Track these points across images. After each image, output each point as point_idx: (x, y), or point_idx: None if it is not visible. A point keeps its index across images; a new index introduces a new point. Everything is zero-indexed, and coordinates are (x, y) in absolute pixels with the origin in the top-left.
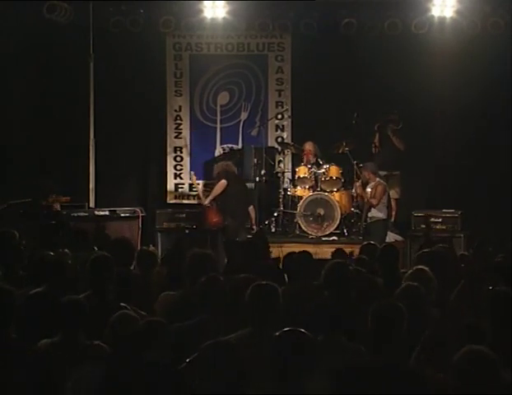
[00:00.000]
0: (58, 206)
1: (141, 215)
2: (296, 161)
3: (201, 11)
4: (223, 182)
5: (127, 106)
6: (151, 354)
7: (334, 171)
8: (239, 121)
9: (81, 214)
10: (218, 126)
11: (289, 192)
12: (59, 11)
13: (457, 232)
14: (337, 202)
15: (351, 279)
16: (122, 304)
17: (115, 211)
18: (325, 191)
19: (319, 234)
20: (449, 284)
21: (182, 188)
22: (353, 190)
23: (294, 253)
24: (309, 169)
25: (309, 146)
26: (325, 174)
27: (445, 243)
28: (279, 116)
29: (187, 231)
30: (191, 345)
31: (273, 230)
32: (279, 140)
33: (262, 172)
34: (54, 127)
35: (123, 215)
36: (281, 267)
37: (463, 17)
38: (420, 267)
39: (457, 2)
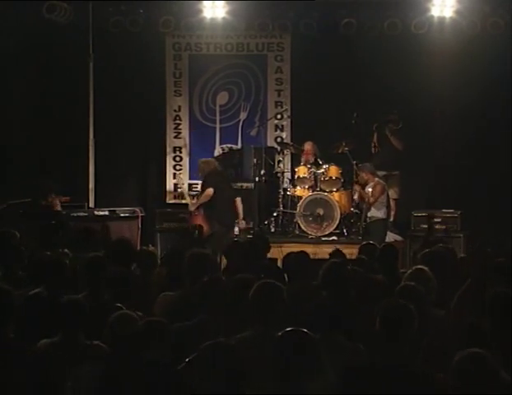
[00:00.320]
0: (58, 206)
1: (140, 215)
2: (296, 161)
3: (200, 11)
4: (210, 191)
5: (126, 106)
6: (151, 354)
7: (334, 171)
8: (239, 121)
9: (81, 214)
10: (217, 126)
11: (288, 192)
12: (59, 11)
13: (456, 232)
14: (337, 201)
15: (349, 278)
16: (118, 304)
17: (115, 211)
18: (325, 191)
19: (319, 234)
20: (448, 284)
21: (181, 188)
22: (355, 196)
23: (292, 253)
24: (309, 169)
25: (308, 146)
26: (325, 174)
27: (444, 243)
28: (278, 116)
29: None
30: (192, 345)
31: (273, 230)
32: (278, 140)
33: (262, 172)
34: (54, 127)
35: (122, 215)
36: (280, 267)
37: (463, 17)
38: (419, 266)
39: (456, 2)
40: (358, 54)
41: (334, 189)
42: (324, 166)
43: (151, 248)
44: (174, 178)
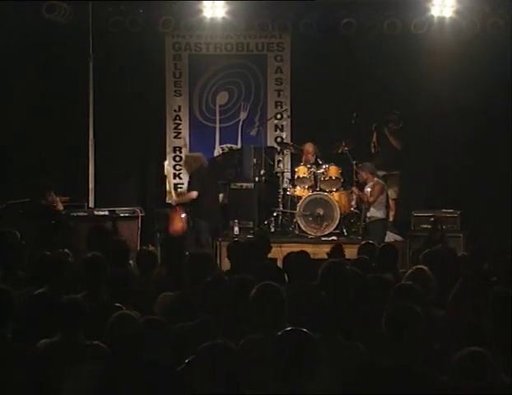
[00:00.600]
0: (60, 205)
1: (140, 215)
2: (296, 161)
3: (200, 11)
4: (194, 194)
5: (126, 106)
6: (151, 353)
7: (333, 171)
8: (239, 121)
9: (81, 214)
10: (217, 126)
11: (288, 192)
12: (59, 11)
13: (456, 232)
14: (337, 201)
15: (348, 278)
16: (117, 304)
17: (115, 211)
18: (324, 191)
19: (319, 234)
20: (448, 284)
21: (181, 187)
22: (352, 202)
23: (293, 252)
24: (309, 169)
25: (308, 147)
26: (324, 174)
27: (445, 243)
28: (278, 116)
29: None
30: (194, 345)
31: (273, 229)
32: (278, 140)
33: (262, 172)
34: (54, 127)
35: (122, 215)
36: (280, 267)
37: (463, 17)
38: (419, 266)
39: (456, 2)
40: (358, 54)
41: (334, 189)
42: (324, 166)
43: (151, 248)
44: (174, 178)
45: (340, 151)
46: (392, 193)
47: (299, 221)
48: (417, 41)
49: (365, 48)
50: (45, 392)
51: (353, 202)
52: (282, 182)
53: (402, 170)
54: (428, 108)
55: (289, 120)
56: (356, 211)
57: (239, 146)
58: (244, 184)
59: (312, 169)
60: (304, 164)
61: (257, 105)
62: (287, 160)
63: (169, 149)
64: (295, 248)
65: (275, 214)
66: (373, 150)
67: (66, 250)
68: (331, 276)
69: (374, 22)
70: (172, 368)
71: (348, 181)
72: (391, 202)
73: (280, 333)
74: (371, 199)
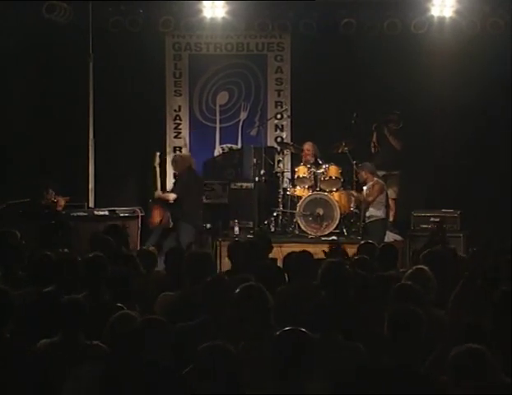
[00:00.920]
0: (61, 201)
1: (140, 214)
2: (296, 161)
3: (200, 11)
4: (172, 196)
5: (126, 106)
6: (151, 352)
7: (333, 171)
8: (239, 121)
9: (81, 214)
10: (217, 126)
11: (288, 192)
12: (59, 11)
13: (456, 232)
14: (337, 201)
15: (348, 278)
16: (119, 304)
17: (115, 210)
18: (324, 191)
19: (319, 234)
20: (448, 284)
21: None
22: (352, 206)
23: (294, 252)
24: (309, 168)
25: (308, 147)
26: (324, 174)
27: (446, 244)
28: (278, 116)
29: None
30: (194, 345)
31: (272, 229)
32: (278, 140)
33: (262, 172)
34: (54, 127)
35: (122, 214)
36: (281, 266)
37: (463, 17)
38: (419, 266)
39: (456, 2)
40: (358, 54)
41: (334, 189)
42: (324, 166)
43: (151, 248)
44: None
45: (340, 151)
46: (392, 193)
47: (299, 221)
48: (417, 41)
49: (365, 48)
50: (45, 392)
51: (352, 204)
52: (282, 182)
53: (402, 170)
54: (428, 108)
55: (289, 120)
56: (356, 211)
57: (239, 146)
58: (244, 184)
59: (312, 169)
60: (304, 164)
61: (257, 105)
62: (287, 160)
63: (169, 149)
64: (295, 248)
65: (275, 214)
66: (373, 150)
67: (66, 250)
68: (331, 276)
69: (374, 22)
70: (172, 368)
71: (348, 181)
72: (391, 201)
73: (278, 333)
74: (370, 198)
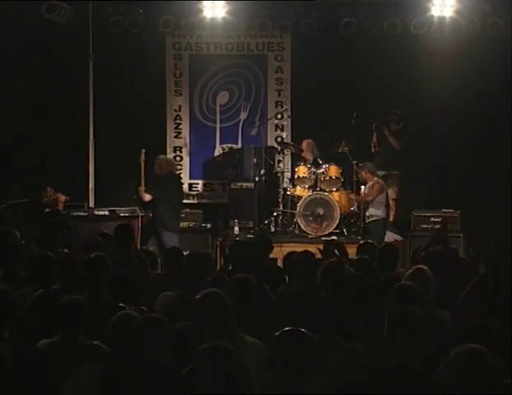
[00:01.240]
0: (61, 197)
1: (140, 215)
2: (296, 161)
3: (200, 10)
4: (147, 197)
5: (126, 106)
6: (151, 351)
7: (334, 171)
8: (239, 121)
9: (81, 214)
10: (218, 126)
11: (288, 192)
12: (59, 11)
13: (456, 232)
14: (337, 201)
15: (348, 278)
16: (120, 304)
17: (115, 210)
18: (325, 191)
19: (319, 234)
20: (448, 284)
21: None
22: (353, 207)
23: (295, 252)
24: (309, 168)
25: (304, 144)
26: (324, 174)
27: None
28: (278, 116)
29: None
30: (194, 345)
31: (273, 229)
32: (278, 140)
33: (262, 172)
34: (54, 127)
35: (122, 214)
36: (281, 266)
37: (463, 17)
38: (419, 266)
39: (456, 1)
40: (358, 54)
41: (334, 189)
42: (324, 166)
43: (151, 248)
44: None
45: (340, 151)
46: (392, 193)
47: (299, 221)
48: (417, 41)
49: (365, 48)
50: (45, 392)
51: (354, 207)
52: (282, 182)
53: (402, 170)
54: (428, 108)
55: (289, 120)
56: (357, 210)
57: (239, 145)
58: (245, 184)
59: (312, 169)
60: (304, 164)
61: (257, 105)
62: (287, 159)
63: (169, 149)
64: (296, 247)
65: (275, 214)
66: (373, 150)
67: (66, 250)
68: (331, 276)
69: (374, 22)
70: (172, 368)
71: (348, 181)
72: (391, 201)
73: (278, 333)
74: (370, 198)
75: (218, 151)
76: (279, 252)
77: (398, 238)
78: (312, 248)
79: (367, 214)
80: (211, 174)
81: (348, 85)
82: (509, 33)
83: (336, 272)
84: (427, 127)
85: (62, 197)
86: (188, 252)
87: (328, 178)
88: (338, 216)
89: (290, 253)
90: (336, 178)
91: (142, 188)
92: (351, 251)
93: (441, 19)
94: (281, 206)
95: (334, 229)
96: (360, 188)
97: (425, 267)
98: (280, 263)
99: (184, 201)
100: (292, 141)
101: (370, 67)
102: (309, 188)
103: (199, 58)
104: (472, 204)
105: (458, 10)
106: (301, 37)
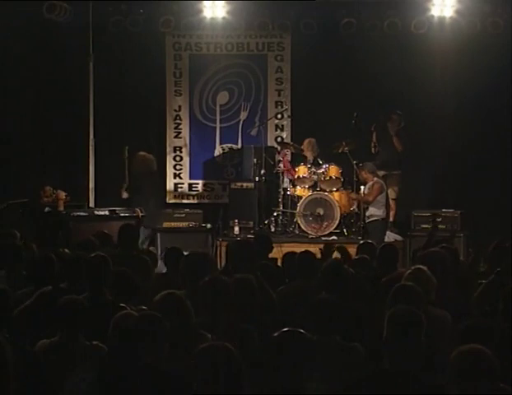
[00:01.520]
0: (62, 194)
1: (140, 214)
2: (296, 161)
3: (200, 10)
4: (124, 194)
5: (126, 106)
6: (148, 348)
7: (334, 171)
8: (239, 121)
9: (81, 214)
10: (218, 125)
11: (288, 192)
12: (59, 11)
13: (457, 232)
14: (337, 201)
15: (348, 278)
16: (122, 304)
17: (115, 210)
18: (325, 191)
19: (319, 234)
20: (448, 284)
21: (181, 187)
22: (354, 207)
23: (295, 252)
24: (309, 168)
25: (306, 142)
26: (325, 174)
27: (447, 243)
28: (279, 116)
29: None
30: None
31: (273, 229)
32: (278, 139)
33: (262, 171)
34: (54, 127)
35: (122, 214)
36: (280, 266)
37: (463, 17)
38: (419, 266)
39: (456, 1)
40: (358, 54)
41: (334, 189)
42: (324, 166)
43: (151, 248)
44: (175, 177)
45: (340, 151)
46: (392, 193)
47: (299, 221)
48: (417, 41)
49: (365, 48)
50: (45, 392)
51: (354, 207)
52: (282, 181)
53: (403, 170)
54: (428, 108)
55: (289, 120)
56: (357, 210)
57: (239, 145)
58: (245, 184)
59: (312, 169)
60: (305, 164)
61: (257, 105)
62: (287, 159)
63: (169, 149)
64: (296, 247)
65: (275, 214)
66: (373, 150)
67: (66, 250)
68: (331, 276)
69: (374, 22)
70: (172, 368)
71: (348, 181)
72: (391, 201)
73: (277, 334)
74: (370, 198)
75: (218, 150)
76: (279, 252)
77: (398, 238)
78: (313, 248)
79: (367, 214)
80: (211, 174)
81: (348, 85)
82: (509, 33)
83: (336, 272)
84: (428, 127)
85: (62, 195)
86: (188, 252)
87: (328, 178)
88: (338, 216)
89: (290, 253)
90: (336, 178)
91: (125, 185)
92: (351, 251)
93: (441, 19)
94: (281, 206)
95: (334, 229)
96: (360, 188)
97: (425, 268)
98: (280, 263)
99: (184, 201)
100: (292, 140)
101: (370, 66)
102: (309, 187)
103: (199, 58)
104: (472, 204)
105: (458, 10)
106: (301, 37)
